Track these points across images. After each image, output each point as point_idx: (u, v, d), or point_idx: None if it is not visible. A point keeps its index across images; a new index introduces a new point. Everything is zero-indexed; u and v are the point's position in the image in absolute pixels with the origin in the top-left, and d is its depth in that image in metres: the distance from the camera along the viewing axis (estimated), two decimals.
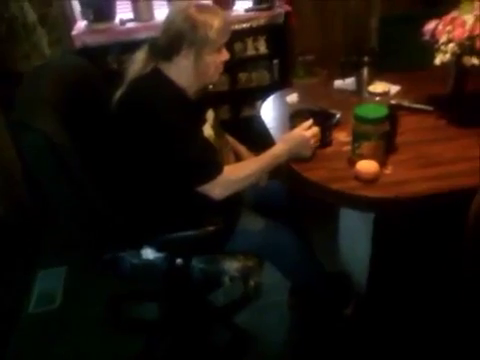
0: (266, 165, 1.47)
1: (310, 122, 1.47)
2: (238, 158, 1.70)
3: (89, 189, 1.41)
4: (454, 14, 1.54)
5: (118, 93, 1.42)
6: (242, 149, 1.77)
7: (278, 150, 1.47)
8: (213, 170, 1.40)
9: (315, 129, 1.47)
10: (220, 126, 1.67)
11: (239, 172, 1.46)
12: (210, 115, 1.60)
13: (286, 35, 2.84)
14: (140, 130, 1.39)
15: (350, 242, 2.08)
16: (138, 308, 2.09)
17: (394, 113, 1.49)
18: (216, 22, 1.38)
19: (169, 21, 1.43)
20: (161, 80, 1.43)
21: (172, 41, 1.40)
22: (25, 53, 2.49)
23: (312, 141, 1.46)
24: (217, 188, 1.41)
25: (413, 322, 1.77)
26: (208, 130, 1.54)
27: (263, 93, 2.07)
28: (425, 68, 1.80)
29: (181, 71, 1.44)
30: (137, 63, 1.45)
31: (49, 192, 1.41)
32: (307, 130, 1.47)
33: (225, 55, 1.47)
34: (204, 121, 1.55)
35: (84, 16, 2.67)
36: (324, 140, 1.53)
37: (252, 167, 1.47)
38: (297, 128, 1.48)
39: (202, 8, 1.40)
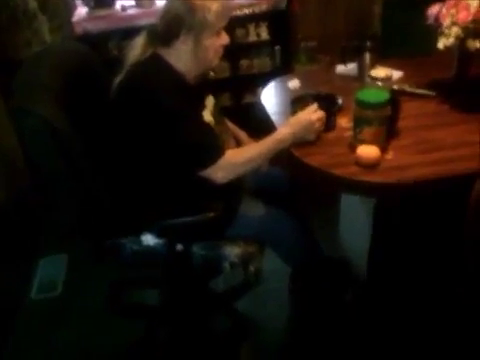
0: (270, 149, 1.46)
1: (315, 106, 1.46)
2: (239, 144, 1.69)
3: (89, 174, 1.41)
4: None
5: (117, 79, 1.42)
6: (243, 135, 1.76)
7: (282, 134, 1.46)
8: (214, 153, 1.39)
9: (321, 113, 1.46)
10: (220, 112, 1.66)
11: (242, 155, 1.45)
12: (210, 101, 1.59)
13: (288, 21, 2.82)
14: (140, 115, 1.38)
15: (350, 228, 2.08)
16: (139, 294, 2.10)
17: (396, 98, 1.47)
18: (214, 5, 1.37)
19: (167, 6, 1.42)
20: (160, 65, 1.42)
21: (170, 26, 1.39)
22: (26, 41, 2.48)
23: (317, 125, 1.45)
24: (220, 171, 1.40)
25: (413, 308, 1.77)
26: (207, 116, 1.53)
27: (265, 80, 2.05)
28: (428, 54, 1.79)
29: (180, 56, 1.43)
30: (136, 49, 1.44)
31: (49, 178, 1.42)
32: (313, 114, 1.46)
33: (225, 39, 1.46)
34: (203, 107, 1.54)
35: (85, 2, 2.66)
36: (328, 124, 1.52)
37: (255, 150, 1.46)
38: (302, 112, 1.47)
39: None
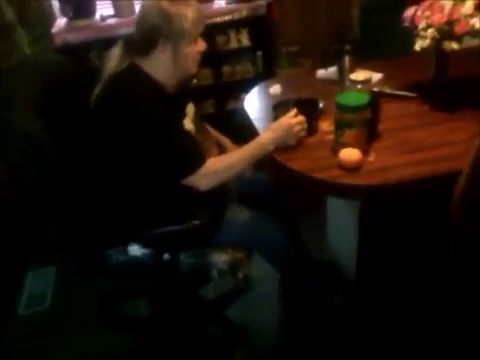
0: (252, 154, 1.46)
1: (295, 111, 1.47)
2: (222, 151, 1.69)
3: (73, 186, 1.40)
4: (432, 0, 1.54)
5: (96, 91, 1.41)
6: (226, 141, 1.76)
7: (264, 139, 1.47)
8: (196, 161, 1.40)
9: (300, 117, 1.47)
10: (201, 120, 1.66)
11: (224, 162, 1.46)
12: (190, 109, 1.59)
13: (269, 26, 2.83)
14: (120, 127, 1.38)
15: (338, 231, 2.08)
16: (129, 305, 2.08)
17: (376, 100, 1.49)
18: (190, 13, 1.38)
19: (142, 16, 1.42)
20: (138, 75, 1.42)
21: (147, 36, 1.39)
22: (5, 53, 2.46)
23: (297, 129, 1.46)
24: (202, 179, 1.41)
25: (402, 309, 1.78)
26: (188, 124, 1.53)
27: (248, 86, 2.06)
28: (407, 55, 1.80)
29: (159, 65, 1.43)
30: (113, 60, 1.43)
31: (30, 189, 1.40)
32: (292, 118, 1.46)
33: (202, 45, 1.47)
34: (184, 115, 1.54)
35: (64, 13, 2.64)
36: (310, 129, 1.53)
37: (237, 156, 1.47)
38: (283, 117, 1.48)
39: (174, 2, 1.38)
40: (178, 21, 1.36)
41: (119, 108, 1.36)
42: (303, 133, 1.49)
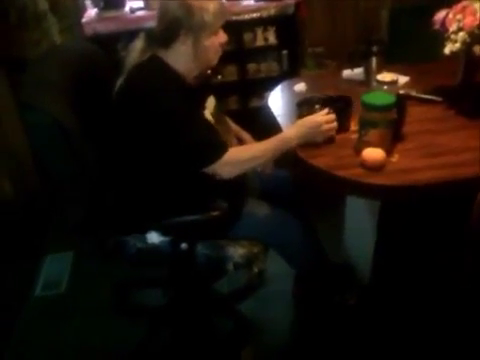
0: (275, 147, 1.46)
1: (326, 110, 1.48)
2: (241, 145, 1.70)
3: (95, 171, 1.42)
4: (465, 3, 1.52)
5: (118, 82, 1.43)
6: (246, 136, 1.77)
7: (288, 134, 1.47)
8: (219, 149, 1.40)
9: (331, 116, 1.47)
10: (222, 113, 1.67)
11: (247, 152, 1.47)
12: (211, 103, 1.60)
13: (296, 26, 2.83)
14: (141, 117, 1.39)
15: (355, 232, 2.08)
16: (143, 294, 2.10)
17: (402, 102, 1.48)
18: (211, 5, 1.39)
19: (164, 8, 1.42)
20: (159, 67, 1.43)
21: (169, 28, 1.40)
22: (36, 40, 2.51)
23: (325, 127, 1.45)
24: (225, 167, 1.41)
25: (417, 312, 1.76)
26: (207, 117, 1.54)
27: (272, 84, 2.06)
28: (434, 59, 1.79)
29: (180, 57, 1.44)
30: (135, 52, 1.45)
31: (55, 174, 1.43)
32: (320, 116, 1.46)
33: (223, 37, 1.47)
34: (204, 108, 1.55)
35: (94, 4, 2.69)
36: (341, 125, 1.53)
37: (260, 148, 1.47)
38: (314, 115, 1.48)
39: None
40: (199, 13, 1.37)
41: (140, 98, 1.38)
42: (333, 132, 1.49)
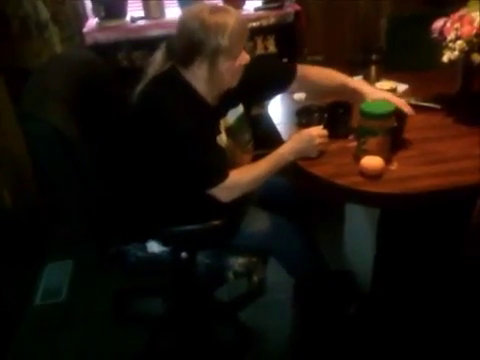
0: (273, 165, 1.47)
1: (321, 127, 1.48)
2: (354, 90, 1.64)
3: (95, 181, 1.42)
4: (462, 12, 1.53)
5: (137, 88, 1.43)
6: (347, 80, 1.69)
7: (284, 149, 1.47)
8: (218, 176, 1.40)
9: (323, 131, 1.47)
10: (246, 123, 1.64)
11: (246, 175, 1.46)
12: (239, 110, 1.59)
13: (295, 35, 2.84)
14: (152, 130, 1.40)
15: (355, 241, 2.07)
16: (143, 303, 2.10)
17: (402, 110, 1.49)
18: (229, 27, 1.33)
19: (182, 25, 1.38)
20: (176, 82, 1.42)
21: (186, 51, 1.38)
22: (37, 50, 2.52)
23: (318, 141, 1.45)
24: (224, 192, 1.42)
25: (417, 321, 1.76)
26: (224, 132, 1.53)
27: None
28: (433, 67, 1.80)
29: (197, 78, 1.42)
30: (155, 63, 1.45)
31: (55, 183, 1.43)
32: (315, 130, 1.46)
33: (244, 59, 1.42)
34: (218, 130, 1.51)
35: (95, 13, 2.70)
36: (339, 132, 1.54)
37: (259, 169, 1.46)
38: (309, 128, 1.48)
39: (215, 12, 1.34)
40: (215, 37, 1.33)
41: (152, 113, 1.38)
42: (325, 147, 1.49)
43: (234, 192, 1.43)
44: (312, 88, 1.75)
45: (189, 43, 1.36)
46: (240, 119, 1.60)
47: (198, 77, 1.42)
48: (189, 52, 1.38)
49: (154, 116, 1.38)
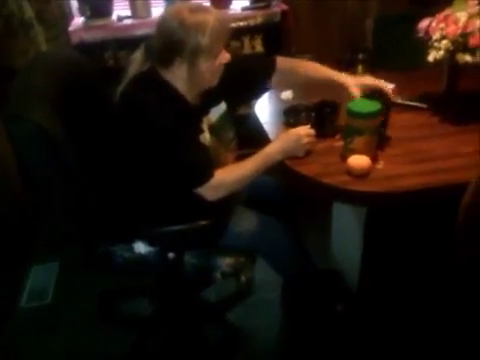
0: (260, 165, 1.46)
1: (308, 126, 1.48)
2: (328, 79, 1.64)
3: (81, 181, 1.41)
4: (447, 12, 1.55)
5: (118, 89, 1.41)
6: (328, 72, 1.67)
7: (272, 149, 1.47)
8: (203, 175, 1.40)
9: (310, 130, 1.47)
10: (229, 121, 1.63)
11: (232, 174, 1.45)
12: (220, 108, 1.58)
13: (282, 34, 2.84)
14: (134, 131, 1.39)
15: (343, 240, 2.08)
16: (130, 304, 2.09)
17: (387, 102, 1.50)
18: (209, 26, 1.32)
19: (161, 25, 1.37)
20: (157, 83, 1.41)
21: (165, 50, 1.37)
22: (23, 49, 2.49)
23: (306, 140, 1.45)
24: (209, 191, 1.41)
25: (405, 318, 1.77)
26: (207, 130, 1.53)
27: None
28: (419, 67, 1.81)
29: (177, 78, 1.41)
30: (135, 63, 1.43)
31: (40, 183, 1.41)
32: (302, 129, 1.46)
33: (224, 58, 1.42)
34: (201, 129, 1.51)
35: (81, 12, 2.68)
36: (326, 131, 1.55)
37: (246, 168, 1.46)
38: (296, 128, 1.48)
39: (195, 12, 1.34)
40: (194, 36, 1.32)
41: (134, 114, 1.37)
42: (311, 145, 1.49)
43: (220, 191, 1.43)
44: (295, 81, 1.72)
45: (169, 43, 1.35)
46: (223, 117, 1.59)
47: (178, 77, 1.41)
48: (169, 52, 1.36)
49: (136, 118, 1.37)
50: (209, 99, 1.52)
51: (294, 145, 1.46)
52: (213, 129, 1.55)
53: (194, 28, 1.31)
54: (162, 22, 1.37)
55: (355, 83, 1.58)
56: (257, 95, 1.85)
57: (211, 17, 1.34)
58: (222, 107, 1.59)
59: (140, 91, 1.39)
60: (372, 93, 1.56)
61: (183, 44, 1.33)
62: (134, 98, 1.39)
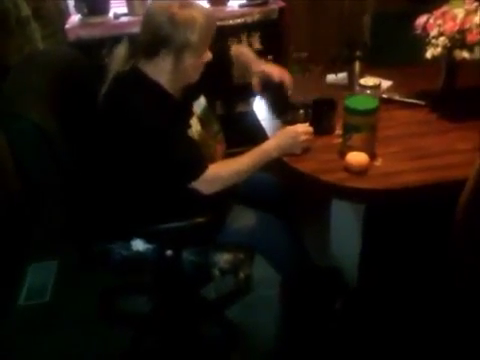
0: (256, 160, 1.46)
1: (306, 124, 1.48)
2: (248, 69, 1.66)
3: (77, 178, 1.41)
4: (445, 8, 1.55)
5: (102, 90, 1.40)
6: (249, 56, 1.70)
7: (269, 145, 1.47)
8: (197, 168, 1.40)
9: (308, 127, 1.47)
10: (212, 114, 1.64)
11: (228, 168, 1.45)
12: (201, 103, 1.59)
13: (280, 31, 2.84)
14: (122, 132, 1.38)
15: (341, 238, 2.08)
16: (129, 302, 2.08)
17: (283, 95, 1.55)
18: (198, 24, 1.33)
19: (148, 18, 1.37)
20: (141, 81, 1.40)
21: (151, 42, 1.36)
22: (18, 47, 2.48)
23: (303, 138, 1.45)
24: (205, 184, 1.41)
25: (403, 315, 1.77)
26: (195, 123, 1.53)
27: None
28: (416, 64, 1.81)
29: (160, 71, 1.40)
30: (117, 59, 1.42)
31: (37, 181, 1.41)
32: (299, 127, 1.47)
33: (207, 56, 1.44)
34: (190, 114, 1.52)
35: (78, 10, 2.67)
36: (325, 128, 1.55)
37: (242, 162, 1.46)
38: (295, 125, 1.48)
39: (184, 7, 1.34)
40: (184, 32, 1.32)
41: (121, 115, 1.37)
42: (309, 143, 1.49)
43: (215, 184, 1.43)
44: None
45: (156, 36, 1.34)
46: (205, 111, 1.60)
47: (161, 69, 1.40)
48: (155, 44, 1.35)
49: (124, 120, 1.36)
50: (188, 94, 1.53)
51: (291, 142, 1.46)
52: (200, 122, 1.56)
53: (183, 24, 1.32)
54: (150, 15, 1.37)
55: (259, 70, 1.62)
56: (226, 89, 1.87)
57: (201, 14, 1.34)
58: (202, 102, 1.60)
59: (125, 92, 1.38)
60: (268, 84, 1.58)
61: (171, 38, 1.33)
62: (120, 100, 1.38)
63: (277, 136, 1.49)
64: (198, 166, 1.40)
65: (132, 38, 1.44)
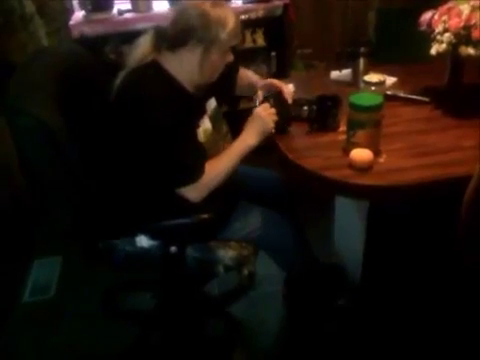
0: (237, 153, 1.47)
1: (264, 105, 1.51)
2: (251, 85, 1.75)
3: (82, 174, 1.41)
4: (450, 4, 1.54)
5: (117, 81, 1.41)
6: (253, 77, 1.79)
7: (244, 135, 1.48)
8: (191, 176, 1.40)
9: (265, 105, 1.50)
10: (221, 116, 1.66)
11: (213, 171, 1.44)
12: (211, 104, 1.60)
13: (284, 27, 2.83)
14: (131, 125, 1.39)
15: (345, 235, 2.08)
16: (133, 298, 2.09)
17: (283, 103, 1.56)
18: (229, 23, 1.37)
19: (181, 12, 1.40)
20: (159, 75, 1.41)
21: (181, 33, 1.38)
22: (22, 43, 2.48)
23: (266, 113, 1.47)
24: (191, 192, 1.41)
25: (407, 313, 1.77)
26: (206, 122, 1.53)
27: None
28: (421, 60, 1.81)
29: (183, 64, 1.42)
30: (139, 49, 1.43)
31: (43, 179, 1.41)
32: (259, 107, 1.50)
33: (229, 57, 1.47)
34: (203, 113, 1.53)
35: (82, 6, 2.67)
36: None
37: (224, 160, 1.46)
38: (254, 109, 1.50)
39: (217, 6, 1.37)
40: (215, 29, 1.36)
41: (132, 107, 1.37)
42: (274, 116, 1.49)
43: (202, 192, 1.42)
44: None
45: (188, 26, 1.37)
46: (215, 111, 1.62)
47: (184, 63, 1.41)
48: (185, 34, 1.38)
49: (136, 109, 1.36)
50: (202, 94, 1.54)
51: (261, 123, 1.47)
52: (211, 122, 1.56)
53: (216, 21, 1.36)
54: (183, 10, 1.40)
55: (262, 84, 1.69)
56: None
57: (232, 16, 1.39)
58: (213, 102, 1.62)
59: (142, 84, 1.39)
60: (270, 93, 1.60)
61: (202, 31, 1.36)
62: (136, 91, 1.38)
63: (247, 126, 1.49)
64: (192, 174, 1.40)
65: (158, 29, 1.44)
